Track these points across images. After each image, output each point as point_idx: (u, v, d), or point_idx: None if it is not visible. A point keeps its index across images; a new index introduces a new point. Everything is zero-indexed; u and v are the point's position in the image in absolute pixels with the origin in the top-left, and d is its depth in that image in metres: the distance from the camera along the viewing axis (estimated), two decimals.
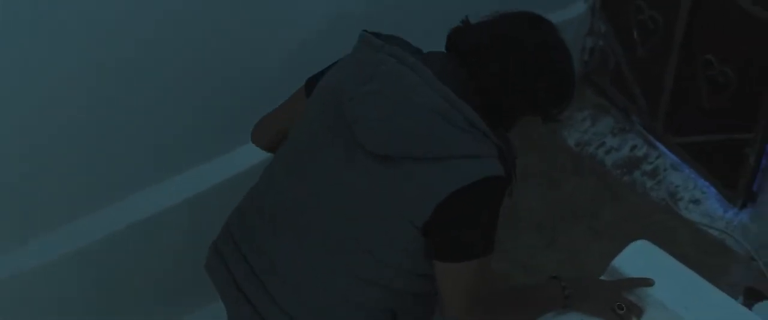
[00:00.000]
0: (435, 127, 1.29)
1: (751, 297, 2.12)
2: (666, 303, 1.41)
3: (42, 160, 1.71)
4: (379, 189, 1.35)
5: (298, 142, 1.47)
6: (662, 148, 2.60)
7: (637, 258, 1.49)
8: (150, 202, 1.91)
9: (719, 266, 2.28)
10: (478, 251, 1.35)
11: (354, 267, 1.41)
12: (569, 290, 1.44)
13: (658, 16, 2.42)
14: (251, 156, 1.79)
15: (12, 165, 1.65)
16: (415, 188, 1.31)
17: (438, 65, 1.35)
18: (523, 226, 2.39)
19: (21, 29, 1.51)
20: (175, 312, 2.03)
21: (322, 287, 1.44)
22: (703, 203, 2.45)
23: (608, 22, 2.63)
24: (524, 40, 1.38)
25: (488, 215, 1.35)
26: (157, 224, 1.92)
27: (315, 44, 1.96)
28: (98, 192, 1.85)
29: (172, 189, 1.94)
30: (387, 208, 1.35)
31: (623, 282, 1.46)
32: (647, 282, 1.43)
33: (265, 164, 1.57)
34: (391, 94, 1.32)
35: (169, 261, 1.98)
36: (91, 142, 1.77)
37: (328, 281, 1.44)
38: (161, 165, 1.94)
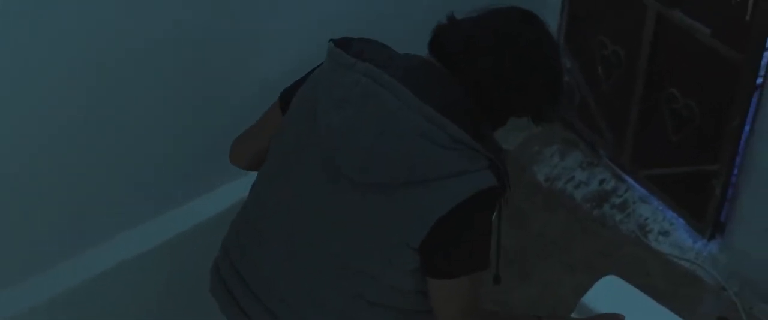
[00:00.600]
0: (419, 150, 1.25)
1: None
2: None
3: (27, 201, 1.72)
4: (374, 214, 1.31)
5: (279, 164, 1.43)
6: (630, 181, 2.63)
7: (607, 293, 1.50)
8: (135, 242, 1.92)
9: (690, 297, 2.29)
10: (473, 266, 1.33)
11: (350, 287, 1.39)
12: None
13: (620, 51, 2.46)
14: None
15: None
16: (406, 212, 1.28)
17: (418, 76, 1.30)
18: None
19: None
20: None
21: (320, 307, 1.41)
22: (673, 234, 2.47)
23: (573, 57, 2.66)
24: (517, 36, 1.32)
25: (482, 229, 1.33)
26: (144, 264, 1.93)
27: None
28: (82, 233, 1.85)
29: (151, 231, 1.95)
30: (379, 231, 1.32)
31: (593, 318, 1.46)
32: (618, 318, 1.44)
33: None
34: (370, 121, 1.27)
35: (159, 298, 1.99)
36: (72, 181, 1.79)
37: (324, 301, 1.41)
38: (131, 213, 1.94)
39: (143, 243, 1.93)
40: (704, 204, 2.34)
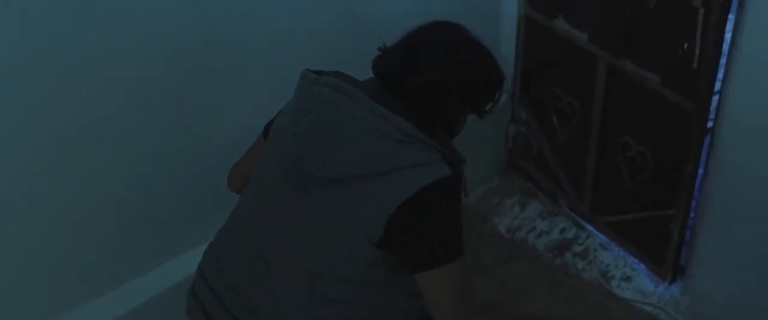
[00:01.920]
0: (375, 143, 1.35)
1: None
2: None
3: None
4: (336, 211, 1.39)
5: (257, 181, 1.54)
6: (591, 228, 2.67)
7: None
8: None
9: None
10: (449, 254, 1.38)
11: (325, 290, 1.43)
12: None
13: (575, 102, 2.52)
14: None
15: None
16: (368, 204, 1.36)
17: (370, 88, 1.43)
18: None
19: None
20: None
21: (288, 315, 1.46)
22: (635, 280, 2.51)
23: (529, 109, 2.72)
24: (435, 44, 1.47)
25: (450, 216, 1.39)
26: None
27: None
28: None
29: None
30: (345, 228, 1.39)
31: None
32: None
33: None
34: (330, 121, 1.38)
35: None
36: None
37: (291, 308, 1.45)
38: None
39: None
40: (663, 248, 2.38)
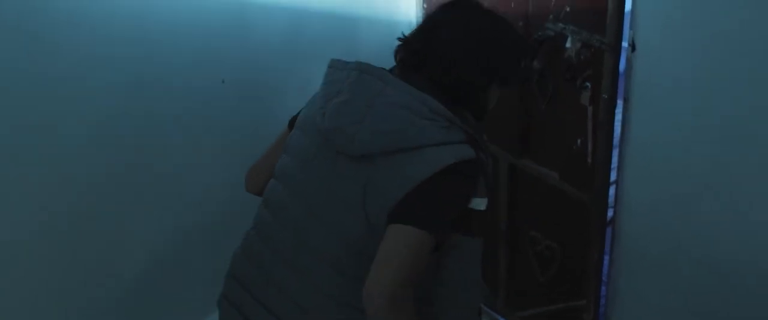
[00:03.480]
0: (403, 120, 1.38)
1: None
2: None
3: None
4: (364, 187, 1.41)
5: (283, 167, 1.56)
6: None
7: None
8: None
9: None
10: (431, 223, 1.36)
11: (322, 283, 1.46)
12: None
13: None
14: None
15: None
16: (393, 179, 1.38)
17: (397, 73, 1.48)
18: None
19: None
20: None
21: (321, 298, 1.48)
22: None
23: None
24: (451, 22, 1.50)
25: (455, 197, 1.40)
26: None
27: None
28: None
29: None
30: (363, 202, 1.41)
31: None
32: None
33: None
34: (360, 100, 1.41)
35: None
36: None
37: (304, 297, 1.49)
38: None
39: None
40: None
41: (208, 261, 2.14)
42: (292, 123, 1.64)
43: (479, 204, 1.46)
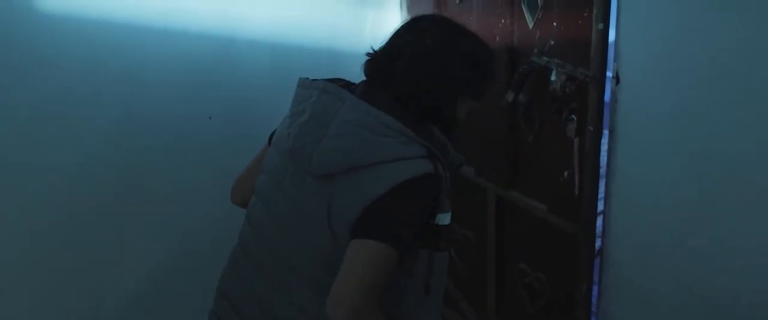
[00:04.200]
0: (359, 138, 1.40)
1: None
2: None
3: None
4: (317, 205, 1.44)
5: (261, 185, 1.61)
6: None
7: None
8: None
9: None
10: (391, 238, 1.36)
11: (295, 296, 1.49)
12: None
13: (469, 233, 2.58)
14: None
15: None
16: (352, 196, 1.40)
17: (361, 90, 1.50)
18: None
19: None
20: None
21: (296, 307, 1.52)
22: None
23: None
24: (414, 34, 1.50)
25: (414, 212, 1.40)
26: None
27: None
28: None
29: None
30: (326, 220, 1.43)
31: None
32: None
33: None
34: (319, 119, 1.46)
35: None
36: None
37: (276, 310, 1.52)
38: None
39: None
40: None
41: (198, 282, 2.16)
42: (271, 138, 1.69)
43: (444, 219, 1.48)
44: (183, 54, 2.15)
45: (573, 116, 2.07)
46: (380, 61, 1.52)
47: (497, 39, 2.25)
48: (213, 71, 2.23)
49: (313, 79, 1.55)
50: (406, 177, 1.38)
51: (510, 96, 2.20)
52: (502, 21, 2.26)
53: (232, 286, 1.65)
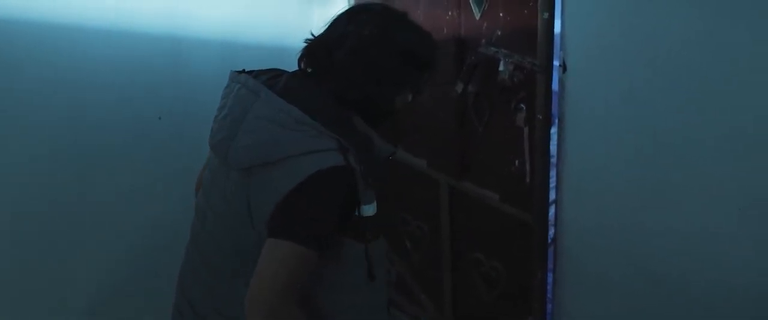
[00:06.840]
0: (267, 133, 1.39)
1: None
2: None
3: None
4: (246, 199, 1.43)
5: (204, 179, 1.62)
6: None
7: None
8: None
9: None
10: (302, 236, 1.35)
11: (233, 286, 1.49)
12: None
13: (423, 225, 2.59)
14: None
15: None
16: (265, 192, 1.40)
17: (293, 85, 1.46)
18: None
19: None
20: None
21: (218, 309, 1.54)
22: None
23: None
24: (349, 24, 1.48)
25: (324, 205, 1.38)
26: None
27: None
28: None
29: None
30: (254, 218, 1.42)
31: None
32: None
33: None
34: (235, 114, 1.45)
35: None
36: None
37: (218, 300, 1.54)
38: None
39: None
40: None
41: (154, 281, 2.17)
42: None
43: (368, 210, 1.45)
44: (131, 54, 2.12)
45: (522, 105, 2.08)
46: (317, 52, 1.50)
47: (445, 30, 2.25)
48: (161, 71, 2.21)
49: (240, 72, 1.52)
50: (314, 170, 1.36)
51: (459, 87, 2.20)
52: (450, 12, 2.26)
53: (186, 279, 1.65)
